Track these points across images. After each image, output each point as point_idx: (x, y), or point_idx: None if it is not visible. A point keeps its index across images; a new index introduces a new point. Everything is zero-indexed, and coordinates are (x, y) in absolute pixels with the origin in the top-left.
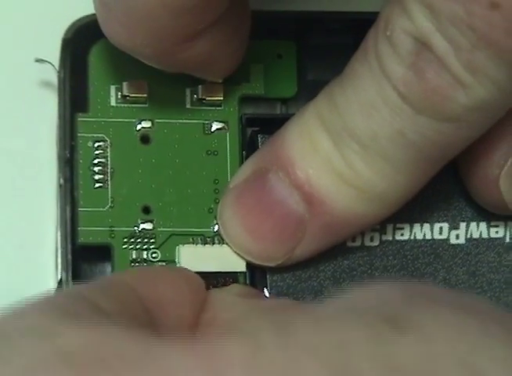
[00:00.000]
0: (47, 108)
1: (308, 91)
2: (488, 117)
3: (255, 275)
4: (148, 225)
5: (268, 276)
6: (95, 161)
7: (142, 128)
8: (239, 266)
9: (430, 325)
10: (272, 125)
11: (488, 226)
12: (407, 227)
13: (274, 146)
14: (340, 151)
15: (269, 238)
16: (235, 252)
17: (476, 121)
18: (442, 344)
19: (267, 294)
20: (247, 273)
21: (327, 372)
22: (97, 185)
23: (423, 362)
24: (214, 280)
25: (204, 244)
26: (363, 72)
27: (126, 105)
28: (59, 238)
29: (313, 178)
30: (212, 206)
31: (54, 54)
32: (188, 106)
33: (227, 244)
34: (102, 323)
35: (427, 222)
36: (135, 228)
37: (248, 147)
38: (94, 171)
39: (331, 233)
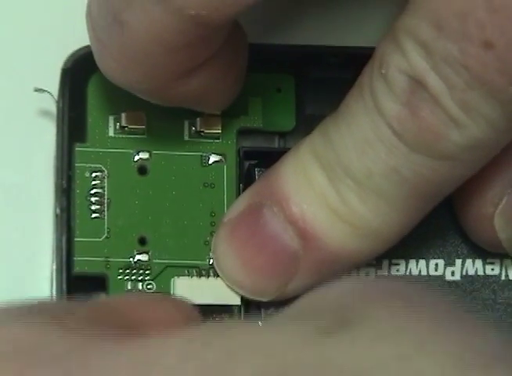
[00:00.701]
0: (45, 138)
1: (307, 125)
2: (483, 155)
3: (250, 308)
4: (144, 257)
5: (262, 310)
6: (92, 191)
7: (140, 159)
8: (234, 299)
9: (380, 321)
10: (269, 159)
11: (484, 263)
12: (402, 263)
13: (269, 180)
14: (334, 187)
15: (262, 272)
16: (228, 286)
17: (470, 159)
18: (387, 342)
19: None
20: (242, 307)
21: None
22: (94, 215)
23: (357, 361)
24: (209, 312)
25: (200, 276)
26: (358, 109)
27: (124, 136)
28: (54, 267)
29: (307, 213)
30: (208, 238)
31: (53, 84)
32: (186, 138)
33: (221, 277)
34: (43, 323)
35: (422, 258)
36: (131, 259)
37: (245, 180)
38: (91, 201)
39: (325, 268)
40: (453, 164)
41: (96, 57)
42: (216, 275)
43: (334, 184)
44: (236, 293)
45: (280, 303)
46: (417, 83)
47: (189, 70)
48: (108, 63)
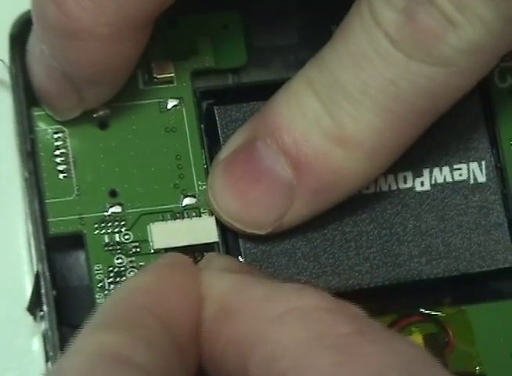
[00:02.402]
0: (2, 105)
1: (258, 58)
2: (479, 63)
3: (228, 244)
4: (117, 209)
5: (240, 244)
6: (57, 152)
7: (99, 114)
8: (212, 237)
9: None
10: (226, 96)
11: (451, 170)
12: None
13: (262, 115)
14: (327, 110)
15: (258, 205)
16: (219, 222)
17: (466, 66)
18: None
19: (242, 261)
20: (220, 243)
21: None
22: (61, 175)
23: None
24: (191, 254)
25: (174, 219)
26: (355, 25)
27: None
28: (30, 231)
29: (300, 141)
30: (177, 182)
31: (3, 51)
32: (141, 86)
33: (217, 214)
34: None
35: (390, 173)
36: (105, 212)
37: (206, 120)
38: (56, 162)
39: (320, 197)
40: (450, 71)
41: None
42: (190, 216)
43: (328, 107)
44: (213, 230)
45: (260, 237)
46: None
47: (147, 20)
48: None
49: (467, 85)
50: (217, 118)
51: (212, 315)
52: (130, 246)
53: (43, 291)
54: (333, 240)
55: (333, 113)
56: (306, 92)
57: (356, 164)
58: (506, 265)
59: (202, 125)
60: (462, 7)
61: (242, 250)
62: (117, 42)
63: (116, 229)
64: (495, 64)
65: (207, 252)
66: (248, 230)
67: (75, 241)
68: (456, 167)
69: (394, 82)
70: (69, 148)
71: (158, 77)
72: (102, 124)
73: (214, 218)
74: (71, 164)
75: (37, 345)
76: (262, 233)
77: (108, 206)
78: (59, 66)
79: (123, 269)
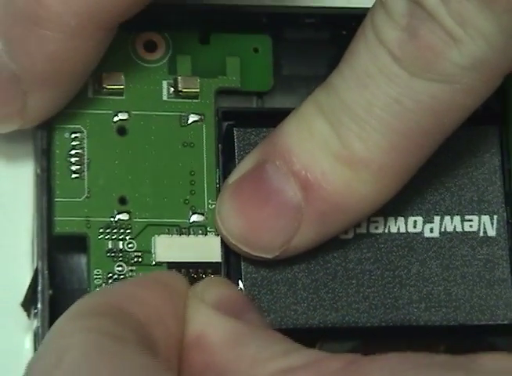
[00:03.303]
0: None
1: (284, 85)
2: (483, 80)
3: (230, 266)
4: (124, 216)
5: (242, 268)
6: (72, 152)
7: (119, 119)
8: (215, 257)
9: None
10: (247, 119)
11: (462, 220)
12: (381, 220)
13: (272, 139)
14: (336, 132)
15: (265, 228)
16: (223, 244)
17: (470, 83)
18: None
19: (241, 286)
20: (222, 264)
21: None
22: (74, 175)
23: None
24: (191, 270)
25: (180, 234)
26: (359, 46)
27: (103, 96)
28: (35, 228)
29: (309, 162)
30: (188, 197)
31: None
32: (165, 98)
33: (224, 237)
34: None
35: (401, 216)
36: (111, 218)
37: (224, 141)
38: (71, 161)
39: (327, 220)
40: (453, 88)
41: None
42: (196, 233)
43: (336, 129)
44: (217, 250)
45: (261, 260)
46: (415, 4)
47: (114, 21)
48: None
49: (472, 104)
50: (235, 140)
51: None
52: (132, 255)
53: (39, 288)
54: (335, 275)
55: (341, 134)
56: (314, 114)
57: (364, 186)
58: (506, 322)
59: (220, 145)
60: (463, 22)
61: (243, 273)
62: (80, 39)
63: (120, 237)
64: (500, 82)
65: (208, 270)
66: (255, 254)
67: (80, 244)
68: (467, 217)
69: (398, 100)
70: (85, 149)
71: (183, 90)
72: (122, 130)
73: (219, 238)
74: (85, 165)
75: (29, 343)
76: (269, 256)
77: (116, 212)
78: (12, 62)
79: (122, 276)
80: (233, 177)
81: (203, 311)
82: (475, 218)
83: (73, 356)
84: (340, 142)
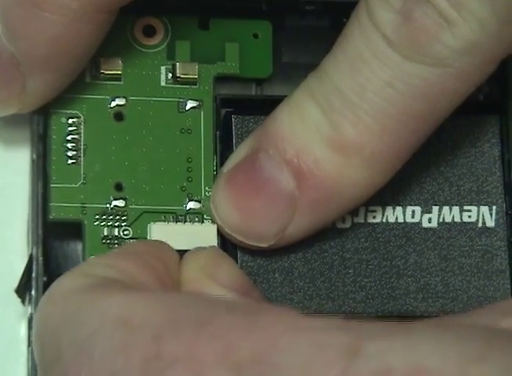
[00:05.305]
0: None
1: (283, 73)
2: (475, 65)
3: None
4: (120, 203)
5: (238, 256)
6: (69, 137)
7: (116, 105)
8: (211, 245)
9: None
10: (246, 106)
11: (461, 211)
12: (379, 210)
13: (264, 127)
14: (327, 117)
15: (260, 216)
16: (219, 233)
17: (462, 67)
18: None
19: None
20: None
21: None
22: (70, 161)
23: None
24: None
25: (176, 221)
26: (353, 29)
27: (100, 82)
28: (30, 213)
29: (302, 149)
30: (185, 184)
31: None
32: (163, 83)
33: (219, 226)
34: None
35: (399, 205)
36: (107, 205)
37: (222, 128)
38: (67, 147)
39: (321, 208)
40: (445, 72)
41: None
42: (193, 220)
43: (327, 114)
44: (213, 238)
45: (259, 252)
46: None
47: (115, 5)
48: None
49: (464, 89)
50: (233, 127)
51: None
52: (127, 242)
53: (34, 274)
54: (331, 264)
55: (333, 120)
56: (306, 101)
57: (356, 172)
58: None
59: (217, 132)
60: (457, 4)
61: (239, 262)
62: (81, 22)
63: (116, 223)
64: (493, 69)
65: None
66: (250, 242)
67: (74, 229)
68: (466, 208)
69: (390, 84)
70: (81, 135)
71: (182, 76)
72: (119, 116)
73: (215, 226)
74: (81, 151)
75: (23, 329)
76: (264, 245)
77: (112, 199)
78: (12, 45)
79: None
80: (228, 166)
81: (220, 293)
82: (474, 208)
83: None
84: (331, 128)
